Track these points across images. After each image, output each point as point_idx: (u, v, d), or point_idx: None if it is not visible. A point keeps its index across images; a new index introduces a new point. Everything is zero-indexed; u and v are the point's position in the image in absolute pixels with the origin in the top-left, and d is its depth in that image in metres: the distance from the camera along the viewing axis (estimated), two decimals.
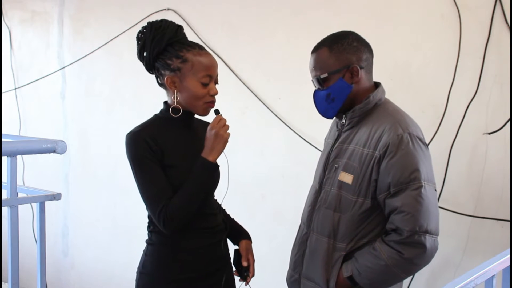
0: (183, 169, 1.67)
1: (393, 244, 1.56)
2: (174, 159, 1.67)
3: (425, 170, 1.56)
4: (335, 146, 1.72)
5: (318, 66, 1.68)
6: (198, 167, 1.65)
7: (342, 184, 1.65)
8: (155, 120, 1.73)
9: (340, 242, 1.64)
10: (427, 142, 2.29)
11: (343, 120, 1.72)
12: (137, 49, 1.70)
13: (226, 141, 1.67)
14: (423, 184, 1.54)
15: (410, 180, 1.53)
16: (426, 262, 1.59)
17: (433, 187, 1.59)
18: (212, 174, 1.67)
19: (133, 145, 1.65)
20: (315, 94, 1.72)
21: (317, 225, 1.71)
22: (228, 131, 1.67)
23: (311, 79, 1.73)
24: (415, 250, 1.54)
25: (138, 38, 1.71)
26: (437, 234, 1.58)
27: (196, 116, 1.77)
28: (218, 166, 1.68)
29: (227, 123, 1.67)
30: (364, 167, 1.60)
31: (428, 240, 1.54)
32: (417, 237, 1.53)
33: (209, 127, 1.67)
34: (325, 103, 1.68)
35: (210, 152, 1.65)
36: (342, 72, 1.64)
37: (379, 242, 1.59)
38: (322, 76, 1.66)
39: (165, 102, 1.74)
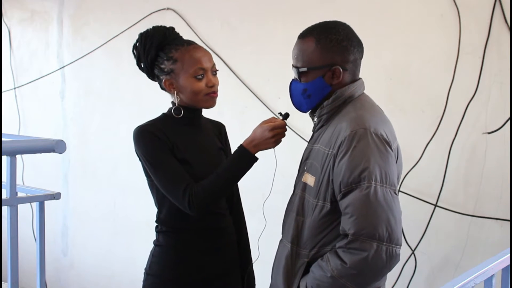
0: (195, 164, 1.68)
1: (340, 251, 1.39)
2: (185, 154, 1.68)
3: (378, 170, 1.38)
4: (307, 147, 1.63)
5: (300, 56, 1.55)
6: (237, 155, 1.64)
7: (306, 186, 1.53)
8: (163, 118, 1.75)
9: (303, 249, 1.51)
10: (427, 142, 2.31)
11: (315, 120, 1.60)
12: (136, 62, 1.74)
13: (273, 148, 1.65)
14: (372, 184, 1.37)
15: (360, 180, 1.37)
16: (375, 272, 1.39)
17: (390, 190, 1.40)
18: (247, 165, 1.64)
19: (143, 138, 1.66)
20: (292, 85, 1.60)
21: (284, 230, 1.60)
22: (282, 139, 1.65)
23: (292, 65, 1.59)
24: (356, 257, 1.35)
25: (133, 52, 1.74)
26: (392, 243, 1.36)
27: (204, 113, 1.79)
28: (257, 159, 1.65)
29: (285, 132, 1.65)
30: (324, 168, 1.47)
31: (376, 247, 1.34)
32: (361, 243, 1.35)
33: (268, 125, 1.63)
34: (301, 97, 1.56)
35: (252, 146, 1.63)
36: (323, 70, 1.51)
37: (329, 252, 1.44)
38: (301, 70, 1.53)
39: (172, 102, 1.76)
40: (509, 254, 1.51)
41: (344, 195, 1.40)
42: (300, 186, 1.57)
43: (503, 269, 1.52)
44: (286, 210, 1.64)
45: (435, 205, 2.31)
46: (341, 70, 1.51)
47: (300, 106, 1.60)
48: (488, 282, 1.45)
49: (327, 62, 1.51)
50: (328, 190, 1.46)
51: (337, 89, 1.53)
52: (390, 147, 1.45)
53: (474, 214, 2.24)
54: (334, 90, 1.53)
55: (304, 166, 1.59)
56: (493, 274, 1.44)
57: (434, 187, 2.32)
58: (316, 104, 1.56)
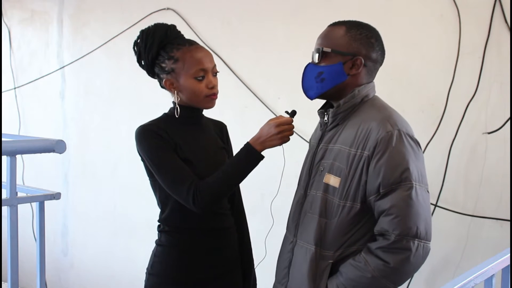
0: (197, 164, 1.68)
1: (379, 252, 1.42)
2: (188, 153, 1.68)
3: (416, 170, 1.44)
4: (320, 147, 1.60)
5: (326, 38, 1.56)
6: (243, 153, 1.62)
7: (328, 187, 1.52)
8: (165, 118, 1.74)
9: (327, 250, 1.51)
10: (427, 142, 2.31)
11: (326, 119, 1.60)
12: (136, 59, 1.74)
13: (279, 145, 1.63)
14: (414, 184, 1.42)
15: (401, 180, 1.41)
16: (414, 269, 1.45)
17: (425, 189, 1.47)
18: (253, 162, 1.62)
19: (146, 137, 1.65)
20: (307, 67, 1.59)
21: (302, 232, 1.58)
22: (290, 137, 1.64)
23: (312, 50, 1.59)
24: (400, 256, 1.40)
25: (134, 49, 1.74)
26: (427, 240, 1.44)
27: (205, 113, 1.79)
28: (263, 157, 1.63)
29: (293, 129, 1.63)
30: (353, 169, 1.47)
31: (416, 245, 1.41)
32: (405, 242, 1.40)
33: (274, 122, 1.62)
34: (313, 80, 1.56)
35: (258, 144, 1.62)
36: (345, 57, 1.52)
37: (364, 253, 1.46)
38: (325, 49, 1.54)
39: (174, 102, 1.75)
40: (509, 254, 1.51)
41: (383, 196, 1.43)
42: (319, 187, 1.54)
43: (503, 269, 1.52)
44: (298, 211, 1.62)
45: (435, 205, 2.31)
46: (363, 62, 1.53)
47: (309, 89, 1.59)
48: (488, 282, 1.45)
49: (352, 51, 1.53)
50: (358, 190, 1.47)
51: (351, 86, 1.55)
52: (420, 147, 1.51)
53: (474, 214, 2.24)
54: (348, 83, 1.54)
55: (319, 166, 1.57)
56: (493, 274, 1.44)
57: (434, 187, 2.31)
58: (326, 90, 1.56)
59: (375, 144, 1.44)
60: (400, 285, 1.46)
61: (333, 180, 1.51)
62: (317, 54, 1.56)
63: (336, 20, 1.60)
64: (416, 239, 1.41)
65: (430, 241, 1.45)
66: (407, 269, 1.43)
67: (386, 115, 1.50)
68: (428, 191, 1.49)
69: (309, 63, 1.60)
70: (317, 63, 1.56)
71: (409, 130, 1.49)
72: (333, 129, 1.58)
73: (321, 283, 1.50)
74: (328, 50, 1.54)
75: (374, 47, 1.55)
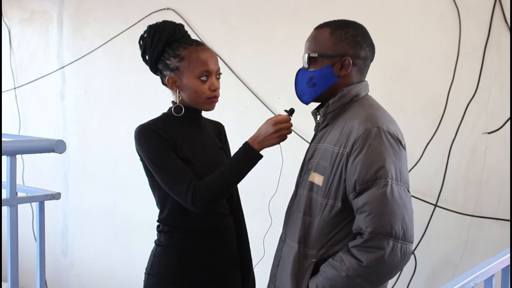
0: (196, 164, 1.67)
1: (354, 251, 1.39)
2: (187, 153, 1.68)
3: (393, 168, 1.40)
4: (311, 146, 1.61)
5: (313, 43, 1.56)
6: (241, 152, 1.62)
7: (313, 185, 1.51)
8: (164, 118, 1.74)
9: (311, 249, 1.49)
10: (427, 142, 2.31)
11: (318, 119, 1.60)
12: (140, 53, 1.73)
13: (278, 143, 1.63)
14: (389, 182, 1.38)
15: (376, 178, 1.38)
16: (391, 270, 1.40)
17: (404, 188, 1.42)
18: (251, 162, 1.62)
19: (146, 137, 1.65)
20: (299, 73, 1.60)
21: (289, 231, 1.57)
22: (288, 136, 1.63)
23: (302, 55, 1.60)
24: (372, 255, 1.36)
25: (139, 43, 1.73)
26: (406, 241, 1.38)
27: (203, 113, 1.79)
28: (261, 156, 1.63)
29: (291, 127, 1.62)
30: (335, 167, 1.46)
31: (392, 245, 1.36)
32: (378, 241, 1.36)
33: (272, 120, 1.62)
34: (305, 85, 1.57)
35: (256, 143, 1.62)
36: (333, 59, 1.52)
37: (342, 252, 1.43)
38: (312, 55, 1.54)
39: (173, 101, 1.75)
40: (509, 254, 1.52)
41: (359, 193, 1.40)
42: (306, 185, 1.55)
43: (503, 269, 1.52)
44: (289, 210, 1.62)
45: (435, 205, 2.31)
46: (351, 62, 1.52)
47: (302, 94, 1.60)
48: (488, 282, 1.45)
49: (339, 52, 1.52)
50: (339, 189, 1.45)
51: (344, 86, 1.53)
52: (402, 145, 1.47)
53: (474, 214, 2.24)
54: (339, 84, 1.53)
55: (308, 165, 1.58)
56: (493, 274, 1.44)
57: (434, 187, 2.32)
58: (319, 94, 1.56)
59: (353, 141, 1.43)
60: (378, 286, 1.42)
61: (318, 179, 1.50)
62: (306, 61, 1.56)
63: (327, 21, 1.59)
64: (392, 239, 1.36)
65: (411, 242, 1.40)
66: (382, 269, 1.38)
67: (369, 113, 1.47)
68: (408, 191, 1.44)
69: (300, 69, 1.60)
70: (307, 68, 1.57)
71: (390, 128, 1.45)
72: (324, 129, 1.58)
73: (303, 282, 1.49)
74: (315, 55, 1.54)
75: (361, 45, 1.53)
